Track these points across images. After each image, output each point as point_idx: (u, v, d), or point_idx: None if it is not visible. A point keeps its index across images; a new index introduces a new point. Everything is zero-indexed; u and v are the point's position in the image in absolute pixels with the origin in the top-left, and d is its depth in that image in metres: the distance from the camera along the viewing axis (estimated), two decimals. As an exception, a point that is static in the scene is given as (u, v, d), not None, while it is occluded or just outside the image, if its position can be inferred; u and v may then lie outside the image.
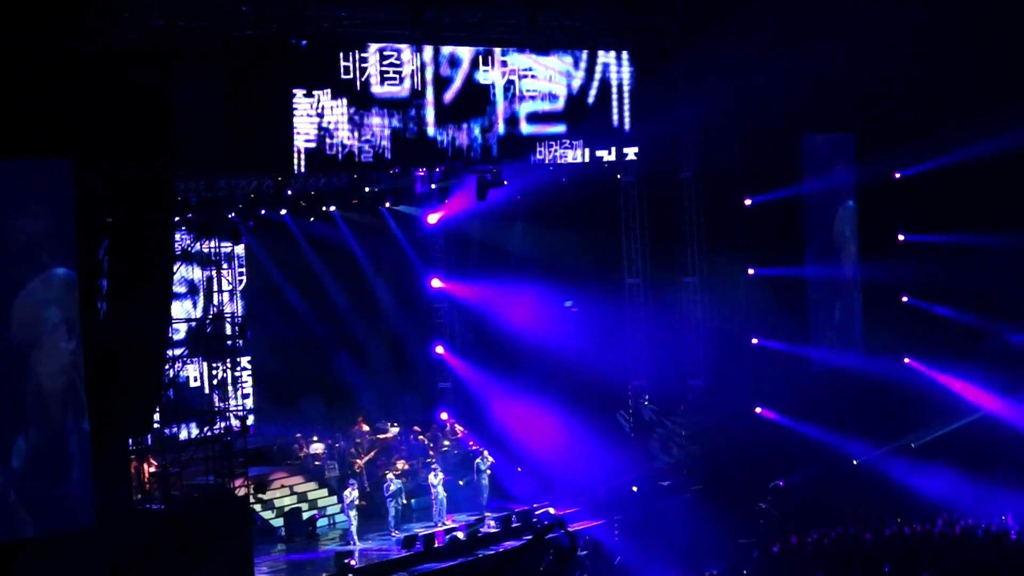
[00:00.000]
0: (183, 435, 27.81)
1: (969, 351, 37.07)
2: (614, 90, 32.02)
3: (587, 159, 31.93)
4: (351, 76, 27.04)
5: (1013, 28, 34.73)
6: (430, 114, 28.62)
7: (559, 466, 32.72)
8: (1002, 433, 35.24)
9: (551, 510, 30.82)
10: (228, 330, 26.36)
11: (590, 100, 31.65)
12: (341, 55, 26.84)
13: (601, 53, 31.72)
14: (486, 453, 31.46)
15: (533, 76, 30.65)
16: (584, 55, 31.47)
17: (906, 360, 37.57)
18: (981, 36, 34.85)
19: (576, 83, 31.41)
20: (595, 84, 31.74)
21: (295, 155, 26.26)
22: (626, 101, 32.16)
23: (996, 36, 34.94)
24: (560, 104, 31.14)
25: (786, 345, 35.75)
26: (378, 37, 27.75)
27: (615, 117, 32.13)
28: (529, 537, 27.62)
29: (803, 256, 36.73)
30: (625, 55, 32.13)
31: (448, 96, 28.93)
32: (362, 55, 27.20)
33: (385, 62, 27.69)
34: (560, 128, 31.14)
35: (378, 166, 28.59)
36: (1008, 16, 34.70)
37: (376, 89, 27.49)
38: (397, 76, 27.98)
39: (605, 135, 32.08)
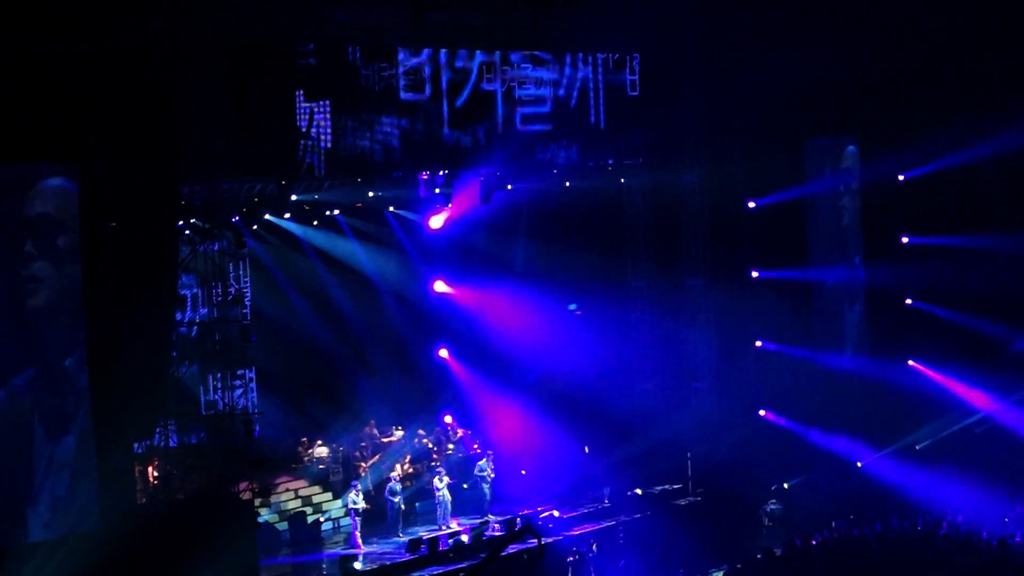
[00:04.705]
0: (187, 438, 27.84)
1: (973, 354, 37.03)
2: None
3: (576, 159, 32.06)
4: (364, 82, 27.20)
5: (1017, 28, 34.70)
6: (440, 118, 28.75)
7: (563, 469, 32.76)
8: (1006, 437, 35.22)
9: (555, 513, 30.86)
10: (232, 334, 26.38)
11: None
12: (353, 59, 26.99)
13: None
14: (487, 459, 31.48)
15: (529, 83, 30.76)
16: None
17: (910, 363, 37.54)
18: (985, 37, 34.82)
19: (561, 88, 31.50)
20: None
21: (300, 159, 26.33)
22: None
23: (1000, 37, 34.91)
24: (548, 107, 31.26)
25: (790, 348, 35.75)
26: (380, 40, 27.81)
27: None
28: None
29: (807, 259, 36.73)
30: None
31: (458, 102, 29.08)
32: (374, 62, 27.35)
33: (399, 68, 27.87)
34: (547, 128, 31.28)
35: (386, 169, 28.70)
36: (1011, 16, 34.67)
37: (386, 93, 27.60)
38: (410, 82, 28.11)
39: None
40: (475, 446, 32.84)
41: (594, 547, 29.27)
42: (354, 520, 28.83)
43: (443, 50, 28.86)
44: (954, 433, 35.80)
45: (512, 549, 27.16)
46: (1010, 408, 35.89)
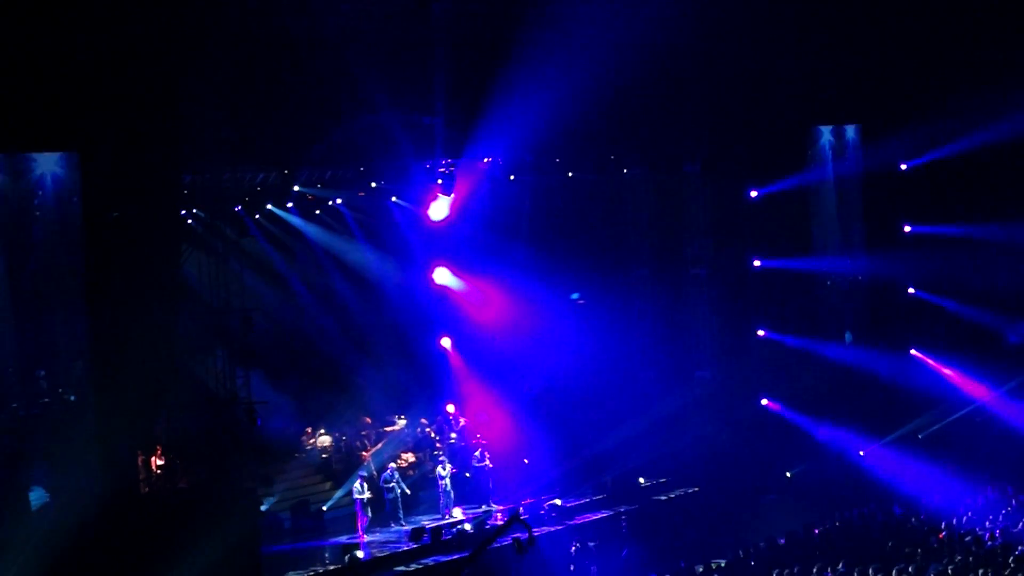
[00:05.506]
0: (190, 428, 27.86)
1: (976, 344, 37.02)
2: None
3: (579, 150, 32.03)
4: (366, 73, 27.17)
5: (1019, 15, 34.64)
6: (443, 108, 28.74)
7: (565, 458, 32.77)
8: (1007, 426, 35.22)
9: (558, 501, 30.89)
10: (234, 323, 26.40)
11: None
12: (357, 50, 26.99)
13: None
14: (481, 449, 31.51)
15: (531, 74, 30.71)
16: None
17: (912, 352, 37.54)
18: (987, 24, 34.76)
19: (564, 80, 31.41)
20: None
21: (302, 148, 26.36)
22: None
23: (1002, 24, 34.85)
24: (550, 98, 31.17)
25: (792, 337, 35.74)
26: (383, 32, 27.79)
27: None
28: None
29: (809, 248, 36.72)
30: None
31: (461, 92, 29.07)
32: (377, 53, 27.33)
33: (402, 59, 27.85)
34: (549, 118, 31.21)
35: (389, 158, 28.69)
36: (1013, 3, 34.62)
37: (388, 83, 27.59)
38: (412, 73, 28.09)
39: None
40: (477, 435, 32.86)
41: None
42: (360, 511, 28.82)
43: (446, 41, 28.81)
44: (956, 422, 35.81)
45: (503, 540, 27.26)
46: (1010, 398, 35.89)
